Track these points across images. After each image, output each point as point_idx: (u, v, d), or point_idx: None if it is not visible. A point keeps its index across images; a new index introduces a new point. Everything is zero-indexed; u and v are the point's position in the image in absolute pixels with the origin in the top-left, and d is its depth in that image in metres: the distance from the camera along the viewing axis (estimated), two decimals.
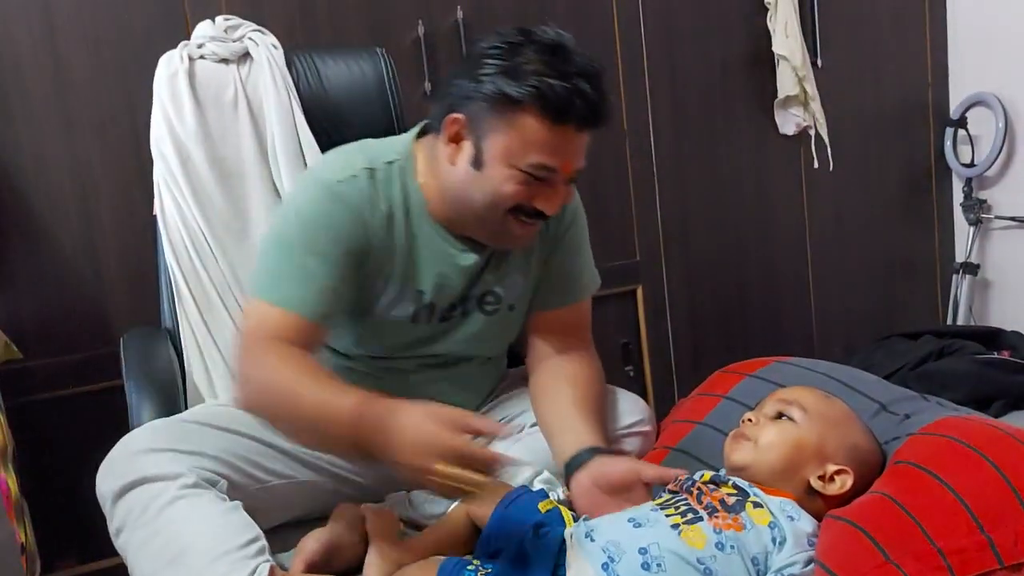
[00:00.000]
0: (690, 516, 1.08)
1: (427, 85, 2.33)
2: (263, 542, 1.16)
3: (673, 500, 1.13)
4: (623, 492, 1.22)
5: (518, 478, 1.32)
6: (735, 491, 1.11)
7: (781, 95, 2.69)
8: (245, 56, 1.81)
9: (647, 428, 1.49)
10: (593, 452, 1.28)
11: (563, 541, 1.11)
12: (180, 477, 1.17)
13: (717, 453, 1.24)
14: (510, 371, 1.62)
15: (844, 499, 1.12)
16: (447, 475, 1.03)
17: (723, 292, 2.79)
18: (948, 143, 3.00)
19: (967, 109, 2.95)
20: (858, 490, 1.13)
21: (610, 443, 1.37)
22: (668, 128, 2.63)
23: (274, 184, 1.79)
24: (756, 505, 1.09)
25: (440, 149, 1.33)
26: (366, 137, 1.84)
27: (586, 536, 1.08)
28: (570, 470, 1.28)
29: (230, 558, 1.11)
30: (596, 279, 1.56)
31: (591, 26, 2.51)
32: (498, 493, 1.20)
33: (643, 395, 2.64)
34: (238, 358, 1.26)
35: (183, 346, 1.69)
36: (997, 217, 2.95)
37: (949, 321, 3.01)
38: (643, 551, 1.03)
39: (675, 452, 1.41)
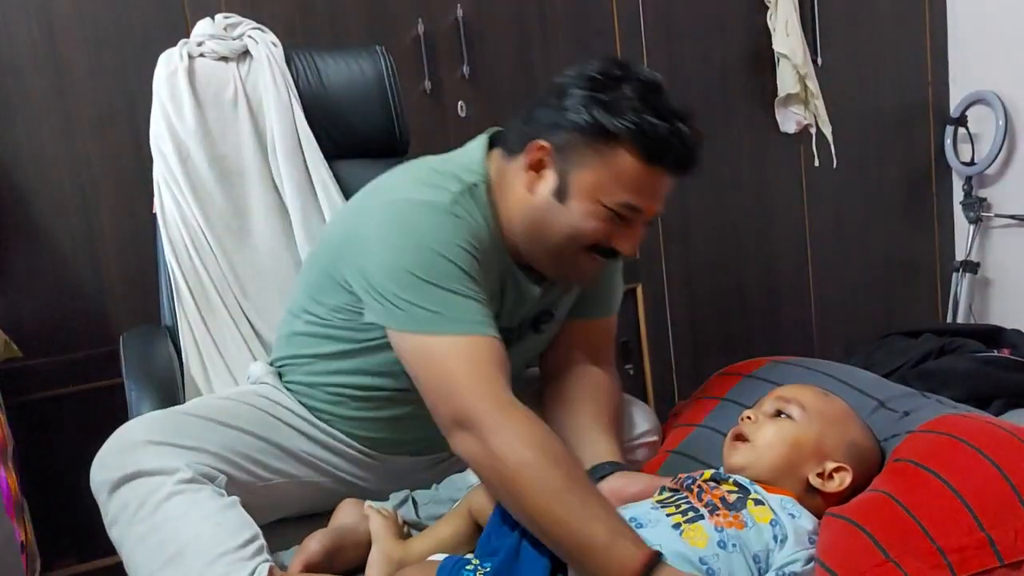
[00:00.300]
0: (691, 515, 1.07)
1: (427, 83, 2.33)
2: (261, 541, 1.15)
3: (674, 498, 1.13)
4: None
5: None
6: (736, 488, 1.11)
7: (782, 93, 2.69)
8: (245, 54, 1.81)
9: (655, 438, 1.49)
10: (612, 467, 1.27)
11: None
12: (177, 472, 1.15)
13: (716, 454, 1.23)
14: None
15: (843, 496, 1.12)
16: None
17: (723, 289, 2.79)
18: (948, 141, 3.00)
19: (967, 107, 2.95)
20: (857, 487, 1.12)
21: (625, 455, 1.35)
22: None
23: (273, 182, 1.79)
24: (757, 503, 1.08)
25: (516, 174, 1.27)
26: (366, 136, 1.85)
27: None
28: None
29: (229, 558, 1.10)
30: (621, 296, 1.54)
31: (591, 23, 2.51)
32: None
33: (643, 393, 2.66)
34: (481, 412, 1.11)
35: (182, 344, 1.68)
36: (997, 215, 2.95)
37: (949, 319, 3.01)
38: None
39: (675, 455, 1.41)
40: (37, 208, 2.04)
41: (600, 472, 1.26)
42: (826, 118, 2.71)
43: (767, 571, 1.04)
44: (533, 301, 1.37)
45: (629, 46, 2.56)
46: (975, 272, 2.97)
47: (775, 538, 1.05)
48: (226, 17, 1.84)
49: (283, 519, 1.35)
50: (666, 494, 1.15)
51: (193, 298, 1.70)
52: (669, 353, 2.73)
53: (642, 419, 1.50)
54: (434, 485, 1.41)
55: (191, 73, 1.75)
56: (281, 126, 1.77)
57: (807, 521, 1.08)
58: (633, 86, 1.21)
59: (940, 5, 2.96)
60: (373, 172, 1.82)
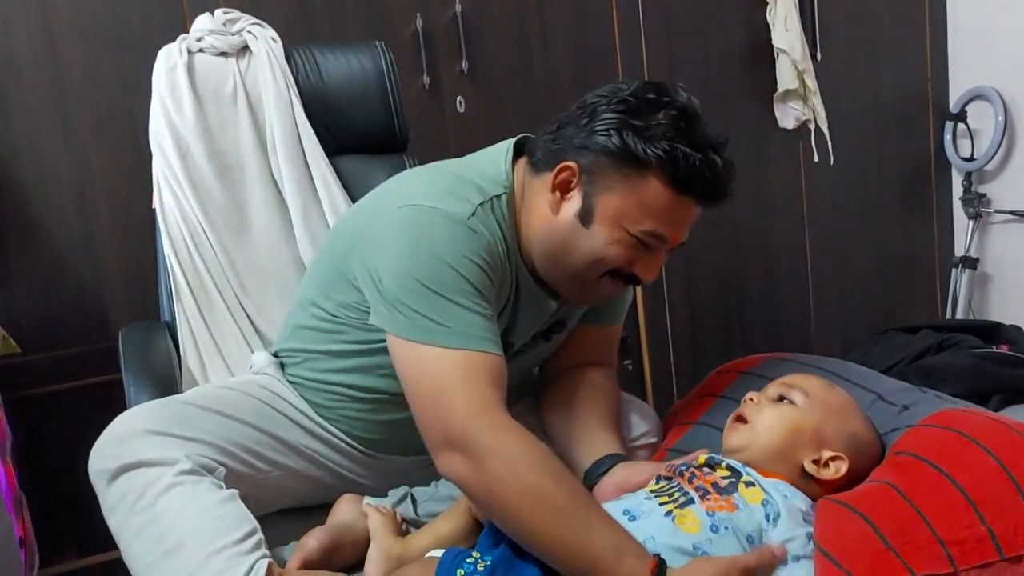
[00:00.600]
0: (682, 500, 1.08)
1: (426, 79, 2.33)
2: (260, 536, 1.15)
3: (667, 486, 1.13)
4: None
5: None
6: (729, 473, 1.12)
7: (780, 89, 2.69)
8: (244, 49, 1.81)
9: (654, 439, 1.49)
10: (614, 459, 1.27)
11: None
12: (177, 463, 1.15)
13: (714, 449, 1.24)
14: None
15: (837, 486, 1.12)
16: None
17: (722, 285, 2.80)
18: (947, 137, 3.00)
19: (967, 103, 2.95)
20: (854, 480, 1.13)
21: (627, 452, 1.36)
22: None
23: (273, 178, 1.79)
24: (748, 484, 1.09)
25: (540, 191, 1.25)
26: (366, 131, 1.85)
27: None
28: (592, 476, 1.26)
29: (227, 552, 1.10)
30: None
31: (590, 17, 2.51)
32: None
33: (641, 388, 2.66)
34: (469, 424, 1.09)
35: (180, 339, 1.68)
36: (996, 211, 2.95)
37: (948, 315, 3.01)
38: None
39: (672, 453, 1.41)
40: (36, 204, 2.04)
41: (603, 466, 1.26)
42: (823, 115, 2.71)
43: None
44: (549, 315, 1.36)
45: (628, 41, 2.56)
46: (974, 268, 2.97)
47: (767, 517, 1.06)
48: (225, 12, 1.84)
49: (282, 515, 1.34)
50: (661, 483, 1.16)
51: (192, 294, 1.69)
52: (668, 347, 2.73)
53: (642, 420, 1.49)
54: (433, 482, 1.40)
55: (190, 68, 1.75)
56: (281, 122, 1.77)
57: (800, 501, 1.09)
58: (667, 110, 1.18)
59: (940, 0, 2.96)
60: (373, 167, 1.84)
